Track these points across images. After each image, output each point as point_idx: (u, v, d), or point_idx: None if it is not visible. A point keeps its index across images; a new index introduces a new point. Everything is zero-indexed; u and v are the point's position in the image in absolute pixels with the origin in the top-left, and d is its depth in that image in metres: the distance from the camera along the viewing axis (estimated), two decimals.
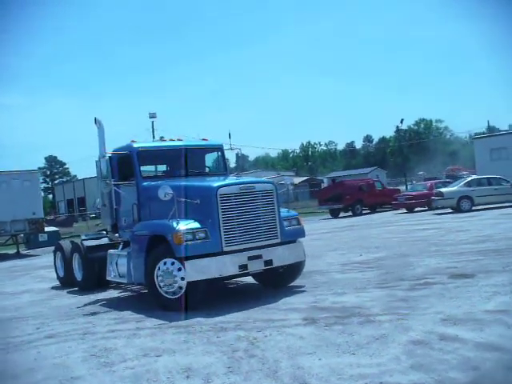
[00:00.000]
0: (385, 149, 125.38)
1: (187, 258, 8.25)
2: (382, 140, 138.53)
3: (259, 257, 8.73)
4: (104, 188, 10.53)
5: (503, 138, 32.72)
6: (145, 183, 9.99)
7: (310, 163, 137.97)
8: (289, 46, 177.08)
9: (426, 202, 27.10)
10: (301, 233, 9.67)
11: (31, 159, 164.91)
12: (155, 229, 9.11)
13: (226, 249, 8.48)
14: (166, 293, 8.50)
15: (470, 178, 25.34)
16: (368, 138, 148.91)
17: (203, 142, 11.28)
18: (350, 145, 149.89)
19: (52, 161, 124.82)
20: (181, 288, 8.35)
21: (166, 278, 8.42)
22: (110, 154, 10.48)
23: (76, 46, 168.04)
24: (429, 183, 29.94)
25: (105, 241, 11.82)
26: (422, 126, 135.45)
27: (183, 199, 8.80)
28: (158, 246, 8.79)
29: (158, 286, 8.57)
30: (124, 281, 10.00)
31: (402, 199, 28.51)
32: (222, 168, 11.27)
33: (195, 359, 5.88)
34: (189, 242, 8.26)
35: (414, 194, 28.66)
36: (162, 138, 11.43)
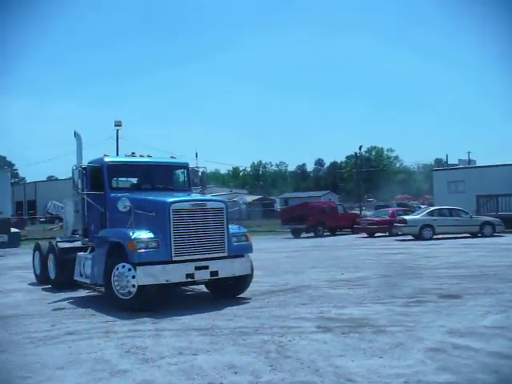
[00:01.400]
0: (340, 173, 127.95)
1: (139, 264, 9.21)
2: (333, 164, 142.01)
3: (206, 267, 9.64)
4: (75, 196, 11.58)
5: (461, 171, 34.67)
6: (112, 194, 10.91)
7: (261, 182, 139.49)
8: (240, 61, 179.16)
9: (387, 228, 28.35)
10: (248, 248, 10.54)
11: None
12: (114, 236, 10.12)
13: (175, 258, 9.41)
14: (121, 294, 9.43)
15: (432, 208, 26.80)
16: (319, 162, 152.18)
17: (170, 160, 12.44)
18: (301, 167, 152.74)
19: (0, 161, 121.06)
20: (130, 292, 9.31)
21: (120, 281, 9.37)
22: (85, 166, 11.47)
23: (31, 45, 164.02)
24: (391, 210, 31.33)
25: (78, 244, 12.63)
26: (374, 153, 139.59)
27: (140, 211, 9.75)
28: (117, 251, 9.76)
29: (113, 287, 9.51)
30: (88, 281, 11.07)
31: (364, 224, 29.67)
32: (186, 184, 12.21)
33: (234, 358, 6.32)
34: (141, 250, 9.25)
35: (376, 219, 29.91)
36: (132, 154, 12.27)
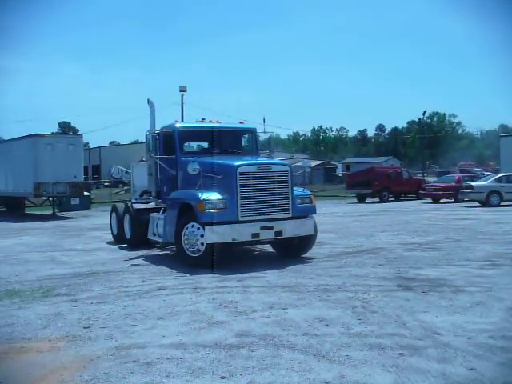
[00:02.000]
0: (402, 139, 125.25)
1: (208, 224, 9.80)
2: (395, 130, 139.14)
3: (271, 228, 10.17)
4: (149, 160, 12.15)
5: None
6: (183, 158, 11.53)
7: (321, 148, 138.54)
8: (301, 33, 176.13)
9: (453, 194, 28.04)
10: (312, 210, 10.98)
11: (43, 124, 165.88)
12: (185, 197, 10.83)
13: (241, 218, 9.97)
14: (190, 252, 10.20)
15: (500, 175, 26.22)
16: (380, 128, 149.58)
17: (238, 125, 13.04)
18: (362, 132, 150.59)
19: (65, 127, 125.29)
20: (199, 250, 10.06)
21: (190, 239, 10.15)
22: (158, 131, 12.10)
23: (90, 14, 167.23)
24: (457, 176, 30.88)
25: (151, 205, 13.48)
26: (436, 119, 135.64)
27: (209, 174, 10.34)
28: (187, 212, 10.41)
29: (183, 245, 10.25)
30: (160, 240, 11.86)
31: (430, 190, 29.43)
32: (254, 149, 12.62)
33: (322, 312, 6.81)
34: (210, 211, 9.85)
35: (442, 185, 29.58)
36: (202, 120, 12.74)
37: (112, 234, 15.17)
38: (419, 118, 61.27)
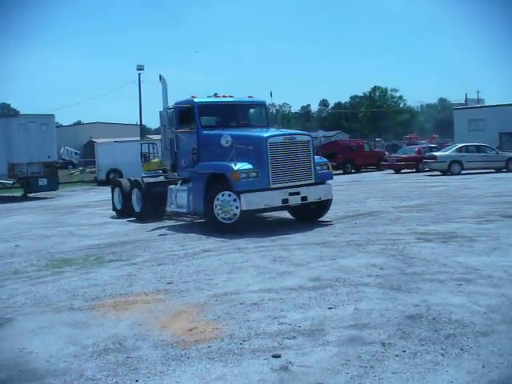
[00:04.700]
0: (345, 114, 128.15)
1: (243, 192, 10.64)
2: (338, 105, 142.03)
3: (298, 193, 11.15)
4: (169, 134, 12.81)
5: (481, 110, 35.92)
6: (204, 132, 12.30)
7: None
8: (240, 8, 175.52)
9: (414, 164, 29.93)
10: (330, 176, 12.20)
11: None
12: (217, 168, 11.50)
13: (272, 186, 10.92)
14: (223, 219, 11.05)
15: (460, 145, 28.18)
16: (324, 103, 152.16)
17: (250, 99, 13.81)
18: (306, 107, 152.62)
19: (5, 108, 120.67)
20: (235, 215, 10.94)
21: (224, 207, 10.97)
22: (173, 107, 12.81)
23: None
24: (417, 148, 32.85)
25: (161, 179, 14.40)
26: (377, 93, 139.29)
27: (240, 146, 11.03)
28: (217, 182, 11.22)
29: (215, 213, 11.09)
30: (183, 210, 12.65)
31: (392, 161, 31.19)
32: (264, 121, 13.58)
33: (369, 260, 7.92)
34: (243, 180, 10.67)
35: (404, 156, 31.39)
36: (215, 95, 13.44)
37: (114, 209, 15.80)
38: (370, 93, 63.05)
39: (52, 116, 28.03)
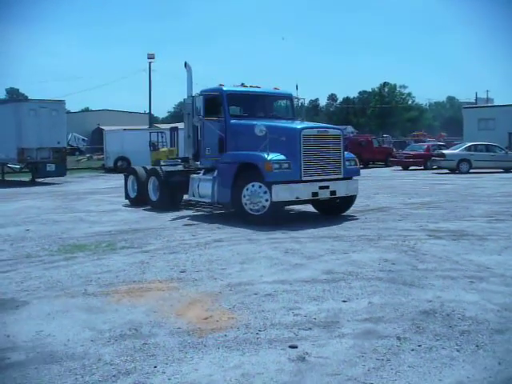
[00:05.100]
0: (353, 109, 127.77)
1: (274, 183, 10.46)
2: (346, 100, 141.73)
3: (327, 187, 11.08)
4: (197, 122, 12.58)
5: (491, 109, 35.80)
6: (233, 121, 12.08)
7: None
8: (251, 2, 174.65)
9: (422, 161, 29.89)
10: (357, 171, 12.20)
11: None
12: (248, 158, 11.22)
13: (303, 178, 10.80)
14: (251, 210, 10.86)
15: (469, 144, 28.11)
16: (333, 97, 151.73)
17: (278, 91, 13.62)
18: (315, 101, 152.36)
19: (14, 93, 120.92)
20: (264, 207, 10.73)
21: (253, 198, 10.77)
22: (201, 94, 12.48)
23: None
24: (426, 145, 32.80)
25: (180, 167, 14.15)
26: (386, 89, 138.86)
27: (272, 136, 10.80)
28: (247, 172, 10.99)
29: (243, 204, 10.87)
30: (207, 200, 12.33)
31: (401, 157, 31.16)
32: (290, 114, 13.45)
33: (381, 255, 7.94)
34: (276, 170, 10.50)
35: (412, 153, 31.36)
36: (243, 85, 13.31)
37: (127, 197, 15.60)
38: (379, 89, 62.87)
39: (62, 102, 28.03)
